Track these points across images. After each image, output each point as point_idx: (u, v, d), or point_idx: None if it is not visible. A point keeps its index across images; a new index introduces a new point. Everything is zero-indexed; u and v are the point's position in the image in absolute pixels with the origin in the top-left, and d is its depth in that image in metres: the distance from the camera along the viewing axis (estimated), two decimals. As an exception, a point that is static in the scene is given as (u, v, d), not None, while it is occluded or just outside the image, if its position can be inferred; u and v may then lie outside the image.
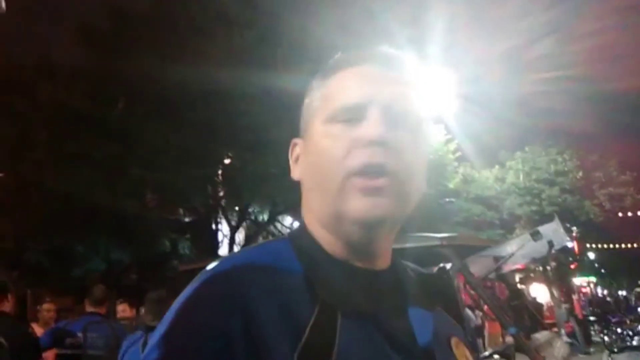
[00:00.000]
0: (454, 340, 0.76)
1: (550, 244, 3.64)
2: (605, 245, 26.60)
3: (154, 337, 0.62)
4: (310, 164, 0.72)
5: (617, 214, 20.78)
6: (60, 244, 8.81)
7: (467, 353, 0.77)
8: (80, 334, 4.27)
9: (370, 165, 0.66)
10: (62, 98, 6.81)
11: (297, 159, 0.77)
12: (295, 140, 0.78)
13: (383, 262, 0.74)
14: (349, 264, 0.70)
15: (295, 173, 0.76)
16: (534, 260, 4.19)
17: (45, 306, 5.20)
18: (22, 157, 7.34)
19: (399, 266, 0.77)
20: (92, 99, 7.25)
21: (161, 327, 0.62)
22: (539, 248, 3.77)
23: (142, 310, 3.22)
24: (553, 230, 3.64)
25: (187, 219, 11.41)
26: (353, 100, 0.70)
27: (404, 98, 0.73)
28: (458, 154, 15.50)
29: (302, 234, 0.73)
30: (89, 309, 4.56)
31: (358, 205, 0.66)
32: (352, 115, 0.69)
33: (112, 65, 7.46)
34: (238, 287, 0.63)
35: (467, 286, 3.67)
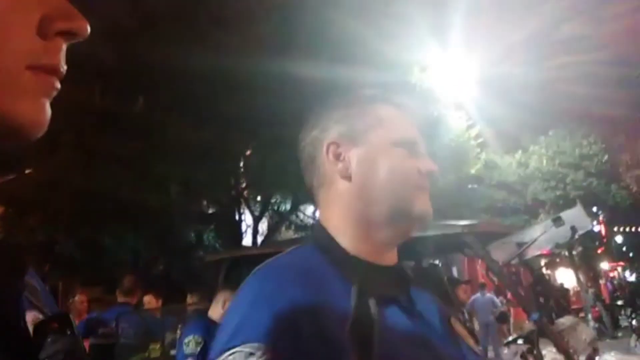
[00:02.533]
0: (452, 319, 0.94)
1: (573, 229, 3.63)
2: (633, 229, 26.10)
3: (240, 320, 0.76)
4: (378, 170, 0.89)
5: (645, 197, 20.37)
6: (90, 237, 9.03)
7: (463, 329, 0.96)
8: (112, 324, 4.41)
9: (427, 187, 0.92)
10: (85, 96, 6.94)
11: (338, 157, 0.91)
12: (333, 141, 0.92)
13: (391, 259, 0.92)
14: (368, 261, 0.87)
15: (340, 169, 0.91)
16: (558, 246, 4.17)
17: (78, 298, 5.36)
18: (49, 155, 7.53)
19: (399, 264, 0.94)
20: (115, 96, 7.37)
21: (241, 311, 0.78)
22: (562, 233, 3.76)
23: (192, 297, 3.33)
24: (576, 216, 3.62)
25: (210, 211, 11.57)
26: (411, 135, 0.93)
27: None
28: (480, 139, 15.34)
29: (325, 239, 0.90)
30: (120, 299, 4.71)
31: (423, 208, 0.90)
32: (411, 148, 0.91)
33: (132, 61, 7.56)
34: (293, 278, 0.81)
35: (490, 273, 3.68)
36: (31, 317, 0.49)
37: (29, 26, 0.43)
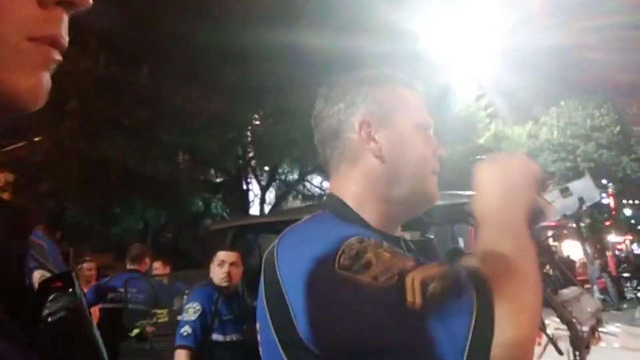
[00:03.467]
0: None
1: (581, 200, 3.60)
2: (642, 202, 25.93)
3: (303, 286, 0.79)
4: (405, 151, 0.94)
5: (656, 169, 20.15)
6: (99, 205, 9.12)
7: None
8: (121, 289, 4.50)
9: (437, 169, 0.98)
10: (90, 64, 6.90)
11: (369, 136, 0.95)
12: (368, 119, 0.96)
13: (399, 232, 0.99)
14: (383, 231, 0.93)
15: (373, 147, 0.95)
16: (566, 217, 4.16)
17: (86, 265, 5.43)
18: (56, 124, 7.53)
19: (402, 235, 1.01)
20: (118, 64, 7.33)
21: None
22: (570, 204, 3.73)
23: (211, 267, 3.40)
24: (584, 187, 3.58)
25: (218, 180, 11.62)
26: (427, 121, 0.99)
27: None
28: (490, 109, 15.17)
29: (343, 208, 0.94)
30: (129, 266, 4.80)
31: (434, 191, 0.97)
32: (426, 132, 0.97)
33: (136, 28, 7.48)
34: (327, 225, 0.88)
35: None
36: (38, 276, 0.50)
37: None
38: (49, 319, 0.46)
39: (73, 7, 0.45)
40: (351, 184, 0.95)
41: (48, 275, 0.51)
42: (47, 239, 0.60)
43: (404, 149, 0.94)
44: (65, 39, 0.45)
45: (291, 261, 0.83)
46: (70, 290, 0.49)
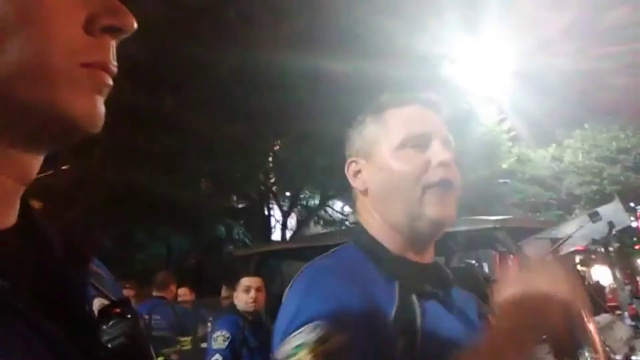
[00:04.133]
0: (490, 317, 0.97)
1: (611, 224, 3.52)
2: (673, 225, 25.20)
3: (307, 311, 0.81)
4: (384, 179, 0.93)
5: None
6: (123, 232, 9.24)
7: None
8: (146, 316, 4.50)
9: (445, 180, 0.89)
10: (117, 94, 7.06)
11: (356, 174, 0.98)
12: (352, 159, 0.99)
13: (429, 257, 0.96)
14: (406, 258, 0.92)
15: (358, 184, 0.97)
16: (594, 242, 4.06)
17: (125, 291, 5.44)
18: (84, 152, 7.70)
19: (437, 262, 0.99)
20: (143, 93, 7.49)
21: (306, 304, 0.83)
22: (599, 229, 3.64)
23: (234, 295, 3.39)
24: (613, 211, 3.51)
25: (240, 205, 11.69)
26: (419, 130, 0.93)
27: (447, 131, 0.97)
28: (512, 133, 15.04)
29: (367, 240, 0.95)
30: (155, 293, 4.81)
31: (437, 210, 0.89)
32: (419, 143, 0.91)
33: (162, 59, 7.66)
34: (342, 272, 0.87)
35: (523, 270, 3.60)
36: (97, 304, 0.51)
37: (77, 24, 0.43)
38: (109, 345, 0.46)
39: (119, 34, 0.46)
40: (364, 216, 0.99)
41: (106, 302, 0.52)
42: (103, 266, 0.62)
43: (382, 179, 0.94)
44: (115, 64, 0.46)
45: (282, 311, 0.87)
46: (129, 316, 0.50)
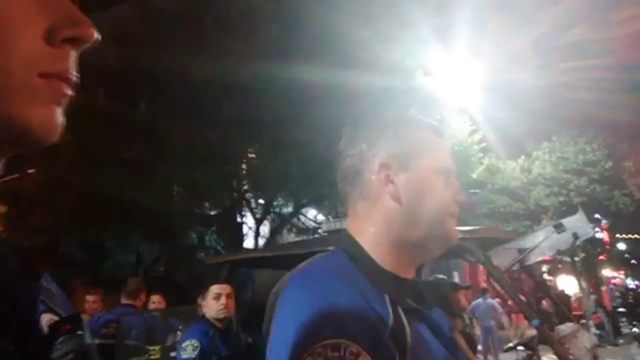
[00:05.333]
0: (455, 333, 1.02)
1: (575, 235, 3.63)
2: (636, 236, 25.98)
3: (292, 322, 0.80)
4: (424, 196, 0.96)
5: (648, 204, 20.27)
6: (92, 238, 9.05)
7: (464, 343, 1.07)
8: (114, 325, 4.41)
9: (457, 213, 0.98)
10: (89, 98, 6.96)
11: (389, 178, 0.96)
12: (385, 161, 0.97)
13: (413, 273, 0.99)
14: (394, 273, 0.93)
15: (391, 190, 0.96)
16: (560, 252, 4.17)
17: (91, 297, 5.28)
18: (52, 156, 7.54)
19: (416, 278, 1.01)
20: (116, 99, 7.40)
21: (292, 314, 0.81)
22: (564, 240, 3.76)
23: (203, 303, 3.33)
24: (577, 222, 3.62)
25: (212, 212, 11.58)
26: (449, 165, 1.00)
27: None
28: (483, 144, 15.33)
29: (356, 249, 0.94)
30: (124, 300, 4.70)
31: (452, 234, 0.97)
32: (447, 177, 0.98)
33: (136, 64, 7.58)
34: (338, 282, 0.85)
35: (491, 279, 3.68)
36: (46, 320, 0.51)
37: (37, 34, 0.43)
38: None
39: (80, 45, 0.46)
40: (368, 224, 0.96)
41: (56, 319, 0.51)
42: (53, 282, 0.61)
43: (422, 193, 0.95)
44: (75, 75, 0.46)
45: (281, 320, 0.84)
46: (80, 332, 0.50)
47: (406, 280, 0.95)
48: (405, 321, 0.85)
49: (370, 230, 0.95)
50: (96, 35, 0.46)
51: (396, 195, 0.95)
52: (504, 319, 11.85)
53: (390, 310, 0.84)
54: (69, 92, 0.46)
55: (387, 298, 0.86)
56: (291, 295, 0.86)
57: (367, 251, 0.93)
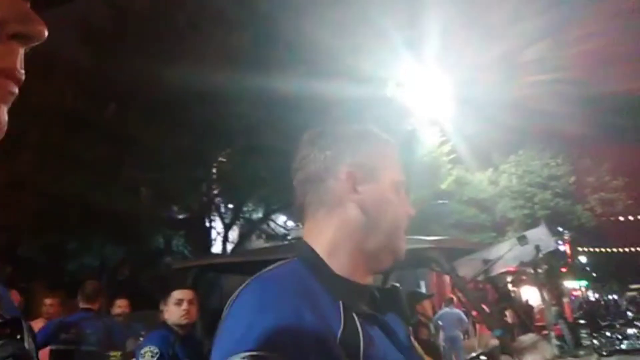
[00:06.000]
0: (412, 339, 1.02)
1: (537, 248, 3.72)
2: (596, 249, 26.76)
3: (242, 328, 0.80)
4: (384, 207, 0.98)
5: (608, 219, 20.93)
6: (54, 240, 8.82)
7: (421, 350, 1.05)
8: (74, 330, 4.29)
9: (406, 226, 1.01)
10: (55, 98, 6.81)
11: (354, 189, 0.97)
12: (352, 169, 0.98)
13: (368, 279, 1.00)
14: (351, 280, 0.94)
15: (355, 198, 0.97)
16: (523, 264, 4.26)
17: (49, 301, 5.14)
18: (14, 156, 7.33)
19: (372, 284, 1.02)
20: (85, 99, 7.25)
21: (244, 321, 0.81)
22: (527, 252, 3.85)
23: (164, 308, 3.26)
24: (540, 235, 3.72)
25: (180, 216, 11.43)
26: (402, 180, 1.02)
27: None
28: (453, 155, 15.58)
29: (312, 257, 0.95)
30: (82, 304, 4.59)
31: (403, 248, 1.00)
32: (401, 190, 1.01)
33: (107, 65, 7.46)
34: (289, 287, 0.87)
35: (455, 289, 3.73)
36: None
37: None
38: None
39: (28, 41, 0.45)
40: (327, 230, 0.96)
41: None
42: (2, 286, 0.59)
43: (384, 205, 0.98)
44: (22, 72, 0.45)
45: (228, 324, 0.85)
46: (19, 337, 0.48)
47: (363, 286, 0.96)
48: (359, 327, 0.85)
49: (329, 236, 0.96)
50: (45, 33, 0.45)
51: (361, 204, 0.96)
52: (469, 329, 12.02)
53: (343, 317, 0.85)
54: (15, 89, 0.44)
55: (341, 305, 0.87)
56: (236, 302, 0.88)
57: (324, 258, 0.94)
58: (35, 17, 0.45)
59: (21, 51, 0.45)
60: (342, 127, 1.05)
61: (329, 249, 0.94)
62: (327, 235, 0.95)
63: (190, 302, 3.22)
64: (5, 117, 0.44)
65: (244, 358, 0.74)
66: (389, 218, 0.97)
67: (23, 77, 0.45)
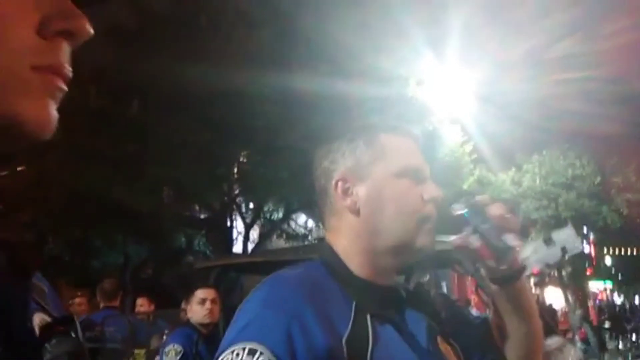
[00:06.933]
0: (439, 338, 1.01)
1: (564, 250, 3.64)
2: (622, 251, 26.19)
3: (242, 322, 0.85)
4: (382, 203, 0.94)
5: (635, 220, 20.45)
6: (79, 238, 8.96)
7: (449, 348, 1.02)
8: (99, 328, 4.36)
9: (434, 215, 0.96)
10: (80, 96, 6.92)
11: (347, 192, 0.97)
12: (341, 177, 0.98)
13: (391, 279, 1.00)
14: (369, 281, 0.95)
15: (349, 203, 0.96)
16: (548, 266, 4.19)
17: (78, 300, 5.24)
18: (42, 154, 7.48)
19: (396, 284, 1.03)
20: (109, 97, 7.36)
21: (247, 316, 0.86)
22: (553, 254, 3.77)
23: (187, 307, 3.31)
24: (567, 237, 3.63)
25: (202, 216, 11.52)
26: (416, 164, 0.98)
27: None
28: (474, 155, 15.41)
29: (333, 259, 0.96)
30: (105, 303, 4.65)
31: (426, 241, 0.96)
32: (416, 176, 0.96)
33: (130, 63, 7.56)
34: (299, 289, 0.88)
35: (479, 290, 3.68)
36: (38, 319, 0.50)
37: (29, 26, 0.42)
38: None
39: (74, 38, 0.45)
40: (339, 238, 0.98)
41: (48, 318, 0.50)
42: (45, 280, 0.60)
43: (380, 201, 0.95)
44: (69, 69, 0.45)
45: (236, 315, 0.89)
46: (73, 334, 0.49)
47: (381, 286, 0.96)
48: (369, 327, 0.87)
49: (342, 243, 0.97)
50: (89, 30, 0.45)
51: (354, 208, 0.96)
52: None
53: (352, 317, 0.87)
54: (63, 85, 0.45)
55: (353, 305, 0.89)
56: (252, 295, 0.91)
57: (344, 260, 0.96)
58: (80, 14, 0.45)
59: (67, 48, 0.45)
60: (337, 130, 1.05)
61: (345, 253, 0.96)
62: (341, 242, 0.97)
63: (213, 301, 3.25)
64: (56, 114, 0.45)
65: (241, 348, 0.79)
66: (390, 214, 0.94)
67: (70, 75, 0.45)
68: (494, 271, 0.95)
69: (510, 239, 0.94)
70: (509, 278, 1.00)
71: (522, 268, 1.02)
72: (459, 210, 0.95)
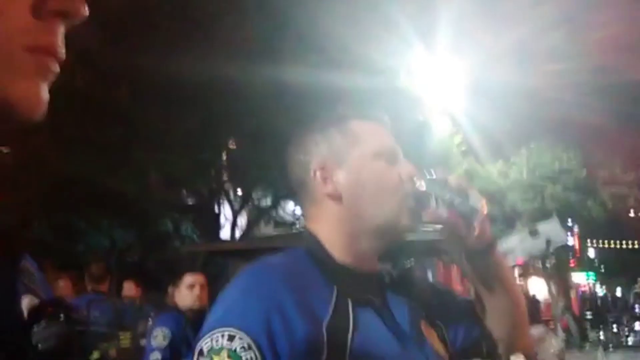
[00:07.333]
0: (422, 324, 1.01)
1: (549, 242, 3.69)
2: (605, 244, 26.58)
3: (221, 309, 0.88)
4: (362, 186, 0.96)
5: (619, 213, 20.74)
6: (64, 222, 8.90)
7: (433, 333, 1.03)
8: (84, 311, 4.34)
9: (412, 193, 0.96)
10: (67, 79, 6.82)
11: (326, 180, 0.98)
12: (318, 166, 0.99)
13: (374, 265, 1.01)
14: (352, 267, 0.96)
15: (330, 190, 0.97)
16: (533, 257, 4.24)
17: (61, 282, 5.20)
18: (27, 136, 7.37)
19: (382, 268, 1.03)
20: (97, 82, 7.27)
21: (226, 302, 0.89)
22: (538, 245, 3.82)
23: (175, 292, 3.29)
24: (552, 229, 3.69)
25: (189, 201, 11.49)
26: (389, 145, 1.00)
27: None
28: (463, 147, 15.49)
29: (315, 246, 0.97)
30: (90, 286, 4.63)
31: (409, 220, 0.96)
32: (390, 157, 0.98)
33: (118, 48, 7.47)
34: (280, 277, 0.89)
35: (465, 279, 3.72)
36: (27, 301, 0.49)
37: (24, 6, 0.41)
38: (39, 346, 0.44)
39: (68, 19, 0.44)
40: (321, 225, 0.99)
41: (36, 300, 0.49)
42: (34, 262, 0.59)
43: (361, 184, 0.96)
44: (62, 49, 0.44)
45: (217, 301, 0.91)
46: (62, 317, 0.48)
47: (364, 272, 0.97)
48: (350, 313, 0.88)
49: (324, 230, 0.98)
50: (85, 10, 0.44)
51: (335, 195, 0.97)
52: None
53: (334, 303, 0.88)
54: (56, 67, 0.44)
55: (335, 291, 0.90)
56: (232, 282, 0.93)
57: (326, 247, 0.96)
58: None
59: (61, 29, 0.44)
60: (309, 126, 1.06)
61: (327, 239, 0.97)
62: (323, 228, 0.98)
63: (202, 286, 3.24)
64: (47, 96, 0.44)
65: (220, 334, 0.81)
66: (371, 195, 0.95)
67: (64, 56, 0.44)
68: (469, 246, 0.96)
69: (473, 200, 0.95)
70: (484, 251, 0.99)
71: (494, 240, 1.01)
72: (421, 187, 0.95)
